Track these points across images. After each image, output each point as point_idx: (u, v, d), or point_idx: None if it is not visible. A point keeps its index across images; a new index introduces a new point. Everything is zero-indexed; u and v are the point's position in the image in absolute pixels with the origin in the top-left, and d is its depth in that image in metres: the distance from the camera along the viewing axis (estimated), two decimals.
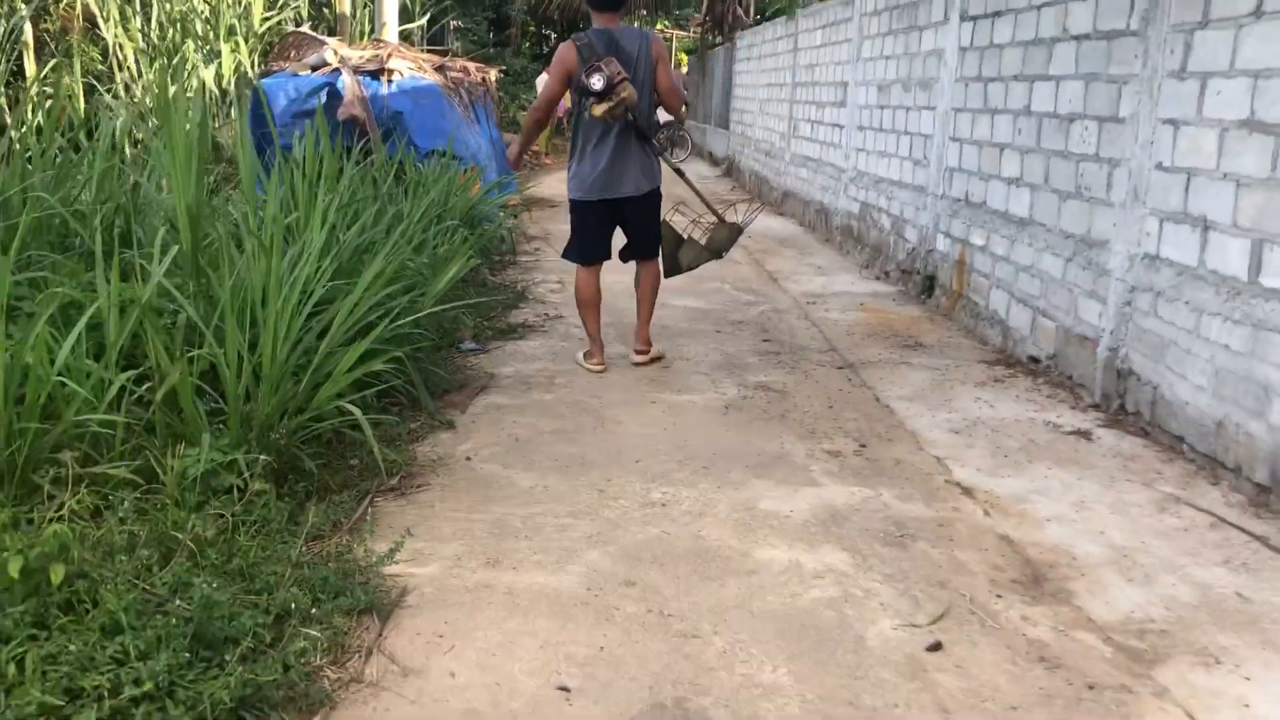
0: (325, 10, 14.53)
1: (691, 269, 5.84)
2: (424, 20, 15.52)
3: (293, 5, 13.98)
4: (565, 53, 5.03)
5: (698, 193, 5.91)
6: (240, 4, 13.17)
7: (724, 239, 5.84)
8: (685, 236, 5.71)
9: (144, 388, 3.32)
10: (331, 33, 14.75)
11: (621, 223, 5.38)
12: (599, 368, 5.32)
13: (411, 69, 9.24)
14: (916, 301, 7.33)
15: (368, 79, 8.92)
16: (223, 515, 2.87)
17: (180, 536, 2.65)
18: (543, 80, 19.28)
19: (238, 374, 3.27)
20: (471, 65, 11.55)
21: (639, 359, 5.40)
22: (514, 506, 3.48)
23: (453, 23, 23.44)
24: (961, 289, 6.73)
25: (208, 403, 3.36)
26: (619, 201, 5.20)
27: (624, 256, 5.56)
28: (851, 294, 7.56)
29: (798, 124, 12.22)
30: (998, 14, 6.36)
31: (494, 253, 8.21)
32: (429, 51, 21.25)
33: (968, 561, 3.17)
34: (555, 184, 15.14)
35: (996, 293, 6.15)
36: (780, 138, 13.26)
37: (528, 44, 29.26)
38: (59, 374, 2.99)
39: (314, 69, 9.01)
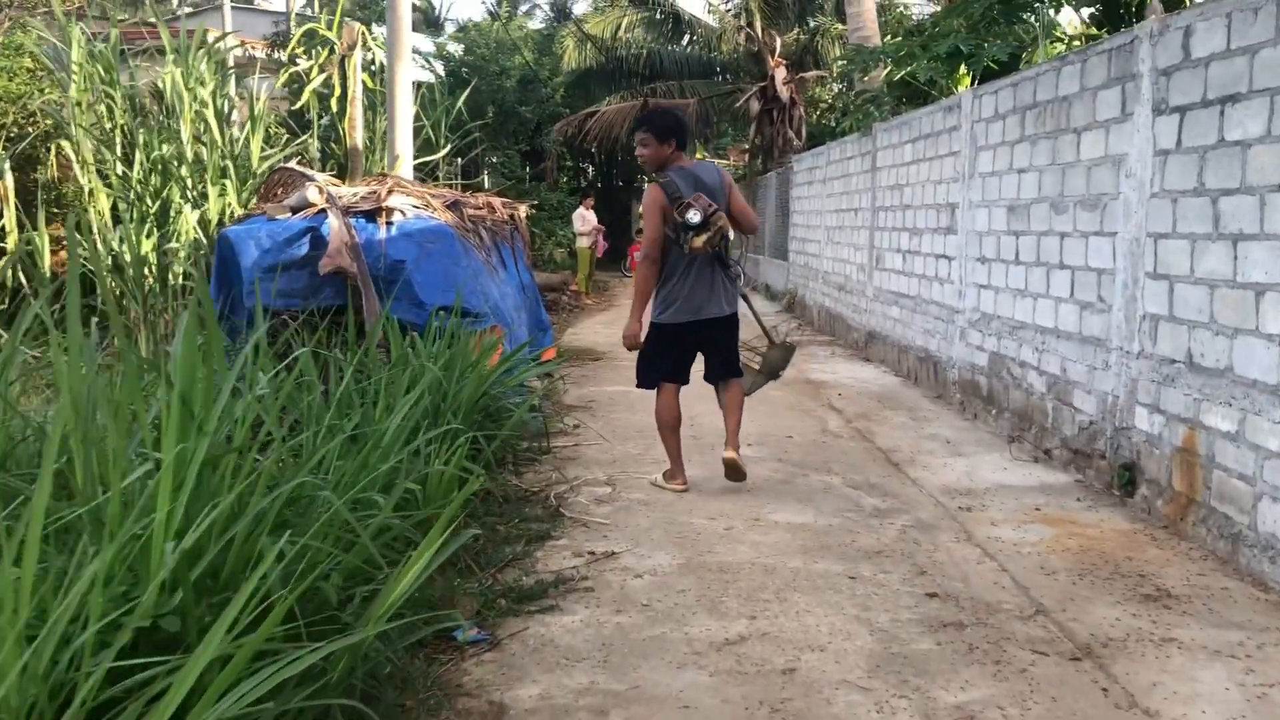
0: (333, 145, 13.01)
1: (749, 394, 5.82)
2: (446, 151, 13.95)
3: (297, 141, 12.45)
4: (656, 195, 5.23)
5: (758, 317, 6.10)
6: (239, 142, 11.64)
7: (778, 359, 5.94)
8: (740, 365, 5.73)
9: None
10: (342, 170, 13.22)
11: (701, 345, 5.45)
12: (681, 488, 5.44)
13: (417, 207, 7.45)
14: (1111, 500, 5.22)
15: (361, 221, 7.13)
16: None
17: None
18: (579, 216, 17.72)
19: None
20: (496, 200, 9.81)
21: (729, 456, 5.41)
22: None
23: (488, 158, 22.12)
24: (1194, 492, 4.61)
25: None
26: (702, 324, 5.33)
27: (708, 378, 5.62)
28: (1013, 489, 5.45)
29: (882, 254, 10.31)
30: (1231, 100, 4.41)
31: (521, 438, 6.22)
32: (457, 187, 19.86)
33: None
34: (599, 329, 13.27)
35: (1276, 508, 4.03)
36: (858, 270, 11.34)
37: (565, 177, 27.98)
38: None
39: (294, 211, 7.24)
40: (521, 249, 10.23)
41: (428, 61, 20.13)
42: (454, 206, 7.80)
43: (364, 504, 3.36)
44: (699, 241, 5.02)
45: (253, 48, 19.03)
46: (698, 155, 36.90)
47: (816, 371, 9.71)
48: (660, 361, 5.42)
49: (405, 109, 11.09)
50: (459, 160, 21.13)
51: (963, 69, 10.83)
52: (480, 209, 8.43)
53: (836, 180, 12.69)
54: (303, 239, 7.04)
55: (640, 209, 5.45)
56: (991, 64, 10.22)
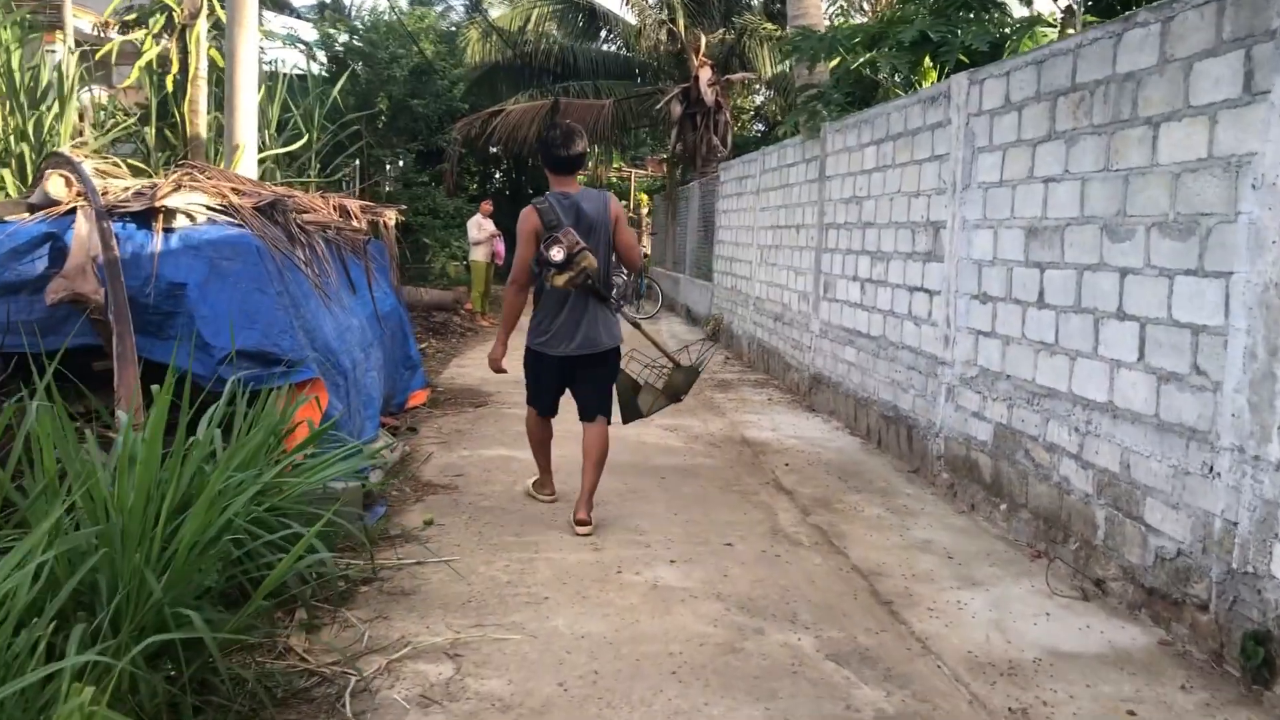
0: (168, 134, 10.73)
1: (650, 414, 5.66)
2: (301, 143, 11.69)
3: (120, 127, 10.16)
4: (529, 218, 4.95)
5: (654, 341, 5.71)
6: (44, 121, 9.34)
7: (681, 382, 5.66)
8: (641, 382, 5.59)
9: None
10: (178, 161, 10.95)
11: (572, 380, 5.17)
12: (550, 498, 5.45)
13: (213, 209, 5.35)
14: (1231, 688, 3.36)
15: (130, 227, 5.02)
16: None
17: None
18: (475, 223, 15.59)
19: None
20: (353, 203, 7.74)
21: (581, 530, 4.94)
22: None
23: (383, 159, 19.84)
24: None
25: None
26: (573, 359, 5.06)
27: (580, 416, 5.21)
28: (1075, 661, 3.56)
29: (832, 281, 8.46)
30: None
31: (332, 560, 4.18)
32: (355, 192, 17.54)
33: None
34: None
35: None
36: (800, 299, 9.48)
37: (475, 184, 25.76)
38: None
39: (33, 209, 5.10)
40: (387, 266, 8.18)
41: (310, 50, 17.87)
42: (272, 209, 5.70)
43: None
44: (560, 280, 4.83)
45: (107, 25, 16.58)
46: (615, 164, 35.02)
47: (753, 426, 7.80)
48: (540, 384, 5.21)
49: (248, 88, 8.92)
50: (357, 163, 18.86)
51: (927, 61, 9.06)
52: (313, 212, 6.33)
53: (773, 191, 10.83)
54: (39, 250, 4.91)
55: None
56: (963, 57, 8.46)
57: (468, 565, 4.35)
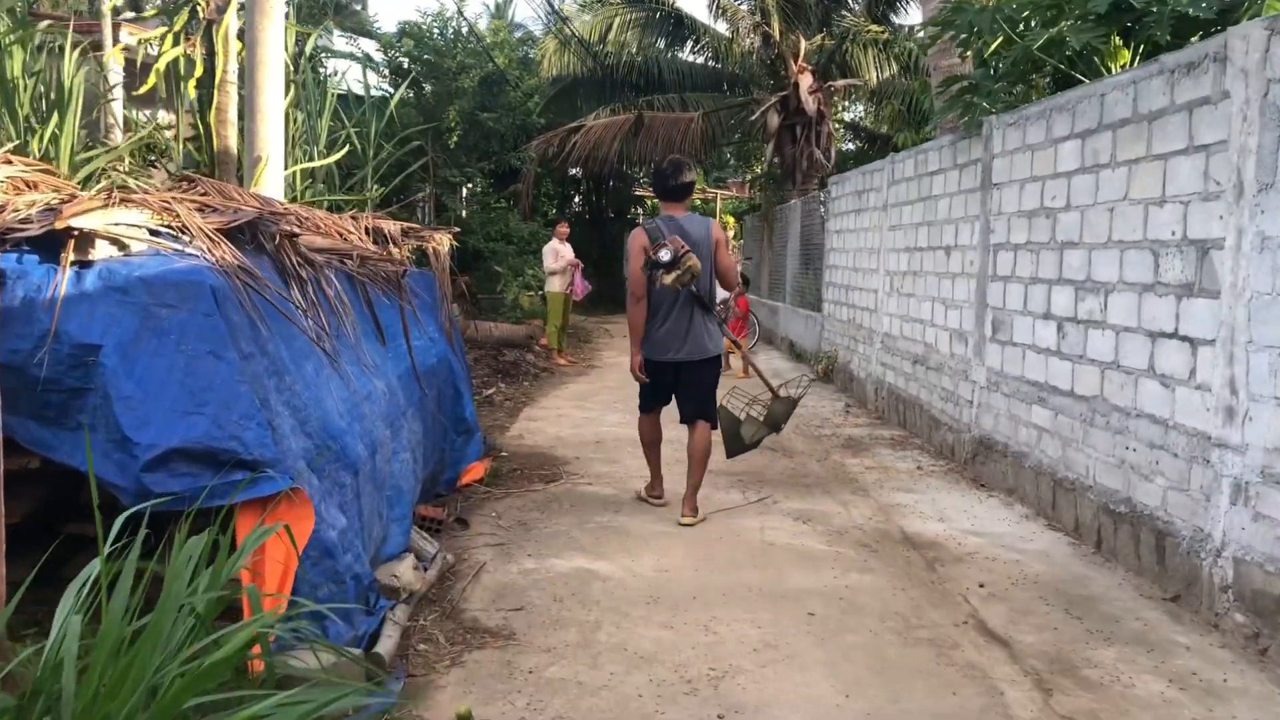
0: (192, 147, 9.19)
1: (753, 446, 6.09)
2: (352, 152, 10.09)
3: (136, 137, 8.64)
4: (639, 238, 5.61)
5: (758, 370, 6.36)
6: (46, 129, 7.87)
7: (781, 412, 6.11)
8: (743, 416, 6.04)
9: None
10: (206, 177, 9.45)
11: (676, 384, 5.76)
12: (660, 501, 5.88)
13: (157, 234, 3.66)
14: None
15: (30, 260, 3.35)
16: None
17: None
18: (551, 250, 13.87)
19: None
20: (392, 225, 6.08)
21: (685, 520, 5.51)
22: None
23: (451, 179, 18.30)
24: None
25: None
26: (675, 364, 5.64)
27: (681, 419, 5.81)
28: None
29: (1006, 318, 6.53)
30: None
31: None
32: (427, 218, 15.88)
33: None
34: (569, 409, 9.42)
35: None
36: (954, 339, 7.55)
37: (553, 207, 24.15)
38: None
39: None
40: (435, 304, 6.48)
41: (369, 60, 16.45)
42: (254, 230, 3.99)
43: None
44: (669, 279, 5.36)
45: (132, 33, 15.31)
46: (698, 186, 33.22)
47: (912, 513, 5.89)
48: (646, 389, 5.83)
49: (273, 89, 7.39)
50: (429, 188, 17.34)
51: (1115, 40, 7.10)
52: (331, 235, 4.64)
53: (908, 206, 8.93)
54: None
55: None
56: (1164, 36, 6.50)
57: None
